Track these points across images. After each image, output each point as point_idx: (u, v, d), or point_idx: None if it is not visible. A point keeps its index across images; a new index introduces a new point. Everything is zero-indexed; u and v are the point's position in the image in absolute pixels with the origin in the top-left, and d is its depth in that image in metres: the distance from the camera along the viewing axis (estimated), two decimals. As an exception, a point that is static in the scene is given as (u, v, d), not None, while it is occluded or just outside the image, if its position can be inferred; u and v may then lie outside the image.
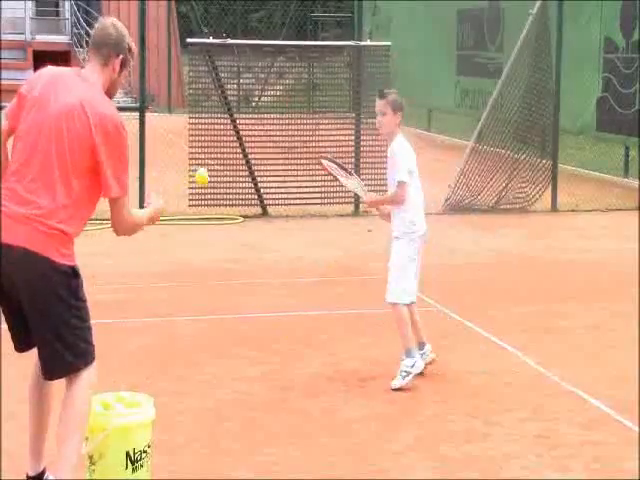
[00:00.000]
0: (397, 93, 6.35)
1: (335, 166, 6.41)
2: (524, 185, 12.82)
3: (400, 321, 6.10)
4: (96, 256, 9.39)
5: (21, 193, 4.27)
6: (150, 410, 4.59)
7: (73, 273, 4.37)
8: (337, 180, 6.50)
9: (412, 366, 6.01)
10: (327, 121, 12.83)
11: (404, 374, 6.00)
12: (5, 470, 4.79)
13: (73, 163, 4.30)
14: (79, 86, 4.41)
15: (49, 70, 4.53)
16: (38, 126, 4.32)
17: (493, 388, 6.09)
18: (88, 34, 27.29)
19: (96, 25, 4.65)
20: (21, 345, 4.54)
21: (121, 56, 4.51)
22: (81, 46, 27.85)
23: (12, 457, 4.80)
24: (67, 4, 29.32)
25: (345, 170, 6.44)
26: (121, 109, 16.10)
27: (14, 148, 4.38)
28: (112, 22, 4.59)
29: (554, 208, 12.84)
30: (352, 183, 6.44)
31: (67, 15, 29.45)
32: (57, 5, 29.92)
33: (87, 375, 4.46)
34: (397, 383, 5.99)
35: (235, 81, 15.79)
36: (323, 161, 6.51)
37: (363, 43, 12.84)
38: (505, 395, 5.97)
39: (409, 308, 6.16)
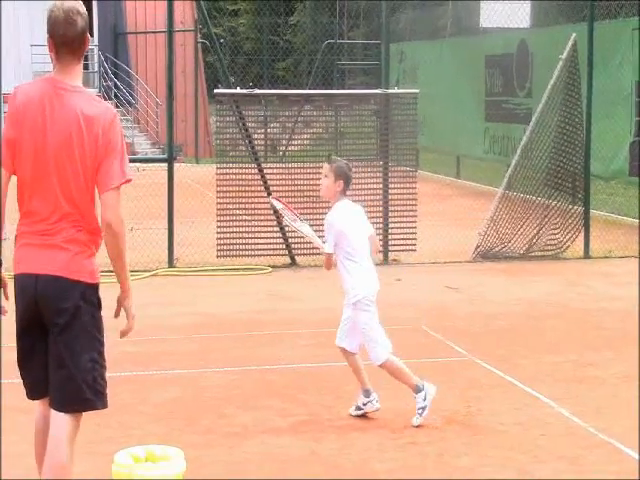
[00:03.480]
0: (345, 163, 6.47)
1: (284, 207, 6.49)
2: (556, 232, 12.71)
3: (394, 372, 6.29)
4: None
5: (44, 227, 4.25)
6: (181, 463, 4.54)
7: (98, 304, 4.38)
8: (284, 221, 6.54)
9: (424, 399, 6.18)
10: (355, 169, 12.77)
11: (420, 411, 6.17)
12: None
13: (88, 183, 4.28)
14: (65, 107, 4.24)
15: (26, 101, 4.27)
16: (42, 167, 4.24)
17: (527, 439, 5.97)
18: (117, 86, 27.65)
19: (54, 13, 4.22)
20: (37, 392, 4.45)
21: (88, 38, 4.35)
22: (110, 98, 28.13)
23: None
24: (95, 57, 29.71)
25: (296, 216, 6.49)
26: (149, 160, 16.30)
27: (22, 192, 4.31)
28: (73, 7, 4.24)
29: (586, 255, 12.70)
30: (305, 228, 6.47)
31: (95, 68, 29.83)
32: (86, 58, 30.34)
33: (79, 425, 4.44)
34: (416, 421, 6.16)
35: (262, 130, 15.87)
36: (273, 200, 6.55)
37: (390, 91, 12.84)
38: (540, 446, 5.85)
39: (352, 357, 6.36)
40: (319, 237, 6.43)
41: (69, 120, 4.23)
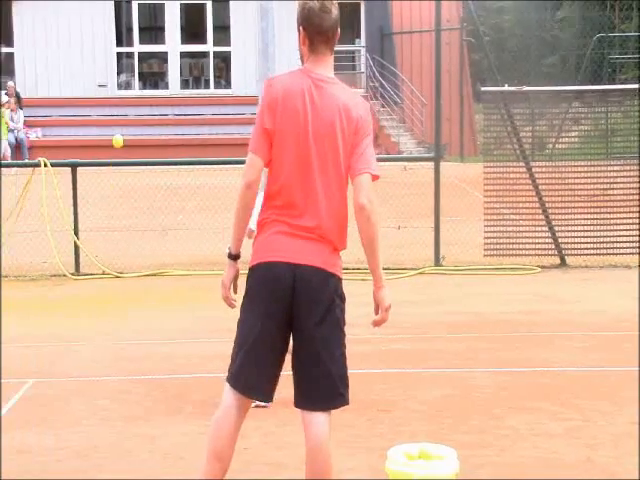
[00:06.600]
0: None
1: None
2: None
3: None
4: (394, 305, 9.44)
5: (301, 219, 4.22)
6: (454, 463, 4.50)
7: (345, 298, 4.36)
8: None
9: None
10: (627, 167, 12.33)
11: None
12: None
13: (346, 177, 4.26)
14: (326, 98, 4.22)
15: (285, 91, 4.23)
16: (304, 159, 4.22)
17: None
18: (383, 86, 28.03)
19: (308, 5, 4.22)
20: (259, 390, 4.34)
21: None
22: (376, 98, 28.58)
23: None
24: (362, 58, 30.24)
25: None
26: (415, 159, 16.39)
27: (277, 183, 4.27)
28: (328, 1, 4.24)
29: None
30: None
31: (362, 69, 30.36)
32: (353, 59, 30.94)
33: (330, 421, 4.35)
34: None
35: (528, 128, 15.59)
36: None
37: (668, 85, 12.25)
38: None
39: None
40: None
41: (332, 111, 4.21)
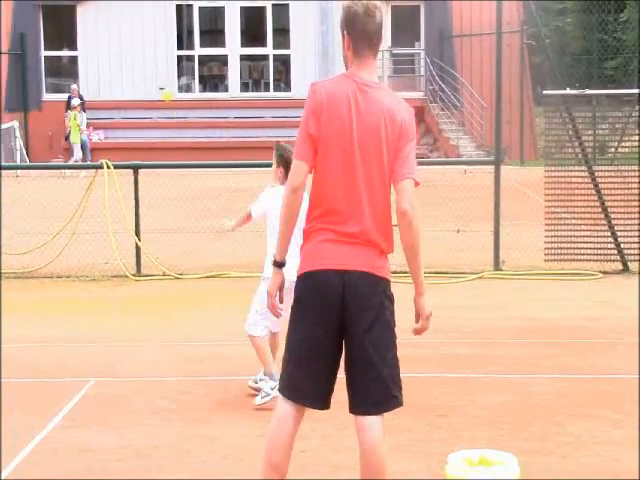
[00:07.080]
0: (289, 150, 6.29)
1: None
2: None
3: (255, 350, 6.59)
4: (453, 309, 9.41)
5: (346, 226, 4.20)
6: (515, 470, 4.46)
7: (393, 300, 4.34)
8: None
9: (273, 389, 6.30)
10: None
11: (264, 394, 6.44)
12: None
13: (389, 181, 4.25)
14: (371, 103, 4.19)
15: (329, 97, 4.20)
16: (350, 166, 4.19)
17: None
18: (442, 89, 27.93)
19: (352, 9, 4.21)
20: (310, 397, 4.29)
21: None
22: (435, 102, 28.49)
23: None
24: (422, 61, 30.15)
25: None
26: (475, 162, 16.29)
27: (322, 189, 4.25)
28: (372, 4, 4.22)
29: None
30: None
31: (422, 72, 30.27)
32: (412, 62, 30.89)
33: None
34: (258, 401, 6.45)
35: (590, 132, 15.42)
36: None
37: None
38: None
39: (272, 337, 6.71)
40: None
41: (377, 116, 4.19)
